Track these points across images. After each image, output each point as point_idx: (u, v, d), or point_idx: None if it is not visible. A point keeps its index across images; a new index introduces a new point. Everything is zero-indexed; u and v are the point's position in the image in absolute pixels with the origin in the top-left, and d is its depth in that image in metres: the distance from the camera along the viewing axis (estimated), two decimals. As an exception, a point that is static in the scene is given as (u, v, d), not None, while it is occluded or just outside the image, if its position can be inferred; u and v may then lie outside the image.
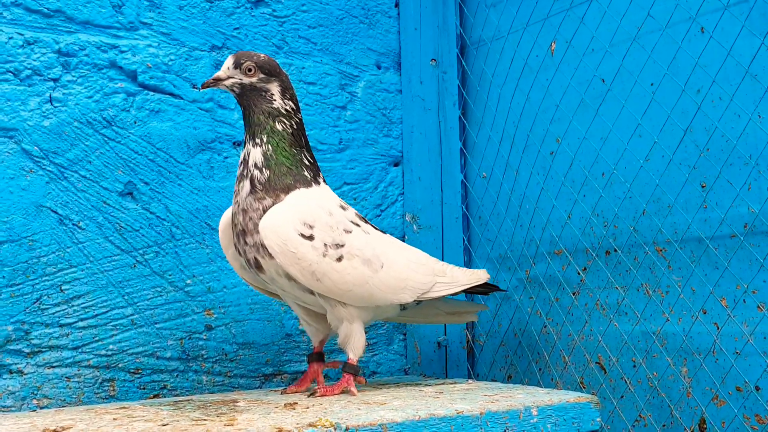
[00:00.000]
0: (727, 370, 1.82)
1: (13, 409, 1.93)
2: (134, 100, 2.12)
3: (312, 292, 1.81)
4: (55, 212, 2.01)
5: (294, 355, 2.26)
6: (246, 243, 1.80)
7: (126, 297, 2.07)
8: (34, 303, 1.97)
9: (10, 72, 1.99)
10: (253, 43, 2.28)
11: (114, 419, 1.57)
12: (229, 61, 1.83)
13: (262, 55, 1.85)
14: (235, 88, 1.83)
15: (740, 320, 1.80)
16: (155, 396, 2.07)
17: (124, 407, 1.78)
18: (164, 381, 2.10)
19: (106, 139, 2.08)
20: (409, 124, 2.46)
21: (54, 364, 1.98)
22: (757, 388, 1.77)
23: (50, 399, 1.97)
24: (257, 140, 1.82)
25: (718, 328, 1.84)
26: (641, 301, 2.00)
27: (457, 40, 2.47)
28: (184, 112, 2.18)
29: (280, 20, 2.33)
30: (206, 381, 2.15)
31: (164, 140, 2.15)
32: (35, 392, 1.96)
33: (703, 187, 1.87)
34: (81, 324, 2.02)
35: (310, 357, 1.97)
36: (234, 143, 2.23)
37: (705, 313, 1.87)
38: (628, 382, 2.03)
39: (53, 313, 1.99)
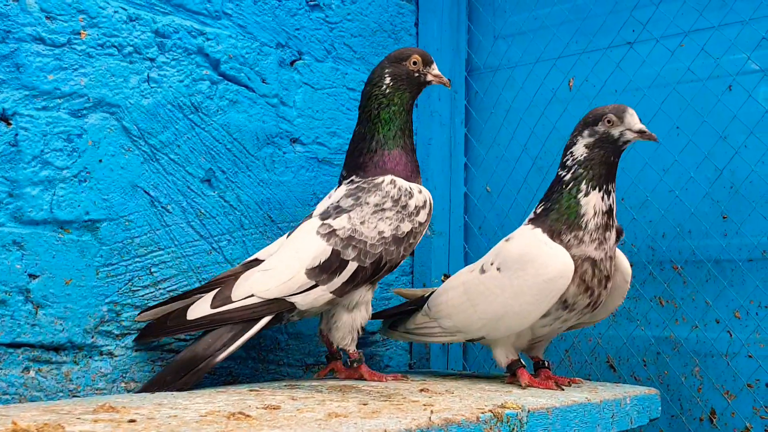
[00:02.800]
0: (739, 370, 2.22)
1: (104, 392, 1.90)
2: (217, 88, 2.15)
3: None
4: (148, 194, 1.99)
5: (330, 346, 2.37)
6: (605, 287, 1.98)
7: (202, 283, 2.09)
8: (126, 284, 1.95)
9: (114, 47, 1.95)
10: (309, 45, 2.38)
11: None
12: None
13: None
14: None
15: (752, 329, 2.20)
16: (228, 383, 2.10)
17: (254, 389, 1.83)
18: (230, 367, 2.14)
19: (192, 124, 2.09)
20: (425, 136, 2.66)
21: (141, 347, 1.97)
22: (767, 385, 2.18)
23: (137, 382, 1.95)
24: (614, 194, 2.00)
25: (730, 335, 2.24)
26: (653, 310, 2.36)
27: (466, 64, 2.71)
28: (256, 106, 2.23)
29: (330, 26, 2.44)
30: (261, 369, 2.21)
31: (240, 131, 2.19)
32: (124, 375, 1.93)
33: (724, 218, 2.26)
34: (166, 307, 2.01)
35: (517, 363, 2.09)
36: (291, 140, 2.31)
37: (718, 322, 2.26)
38: (637, 380, 2.37)
39: (143, 296, 1.97)
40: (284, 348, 2.27)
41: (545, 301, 1.92)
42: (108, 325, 1.91)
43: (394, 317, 2.32)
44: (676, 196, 2.31)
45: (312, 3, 2.39)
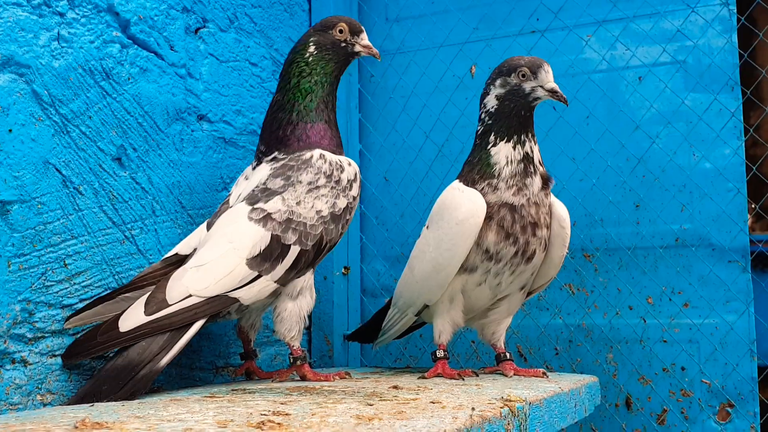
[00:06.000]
0: (654, 355, 2.24)
1: (20, 406, 1.58)
2: (127, 53, 1.87)
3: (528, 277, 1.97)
4: (60, 172, 1.69)
5: (238, 347, 2.13)
6: (534, 235, 1.85)
7: (116, 277, 1.81)
8: (40, 278, 1.64)
9: (22, -5, 1.64)
10: (213, 12, 2.14)
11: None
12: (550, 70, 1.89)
13: None
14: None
15: (667, 315, 2.24)
16: (154, 390, 1.82)
17: (211, 396, 1.59)
18: (145, 373, 1.86)
19: (104, 93, 1.80)
20: (321, 120, 2.47)
21: (57, 353, 1.66)
22: (683, 369, 2.22)
23: (54, 394, 1.65)
24: (535, 138, 1.91)
25: (644, 321, 2.26)
26: (564, 298, 2.34)
27: (357, 46, 2.56)
28: (165, 75, 1.97)
29: (233, -7, 2.22)
30: (175, 374, 1.95)
31: (151, 103, 1.92)
32: (40, 386, 1.62)
33: (637, 206, 2.28)
34: (81, 306, 1.72)
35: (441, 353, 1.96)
36: (198, 116, 2.07)
37: (631, 309, 2.28)
38: (549, 368, 2.34)
39: (57, 292, 1.67)
40: (196, 350, 2.02)
41: (461, 245, 1.85)
42: (20, 327, 1.59)
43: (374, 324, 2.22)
44: (594, 185, 2.30)
45: (215, -34, 2.16)
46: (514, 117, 1.88)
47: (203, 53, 2.10)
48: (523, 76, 1.87)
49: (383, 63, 2.57)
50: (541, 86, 1.86)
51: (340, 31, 1.93)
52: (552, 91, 1.86)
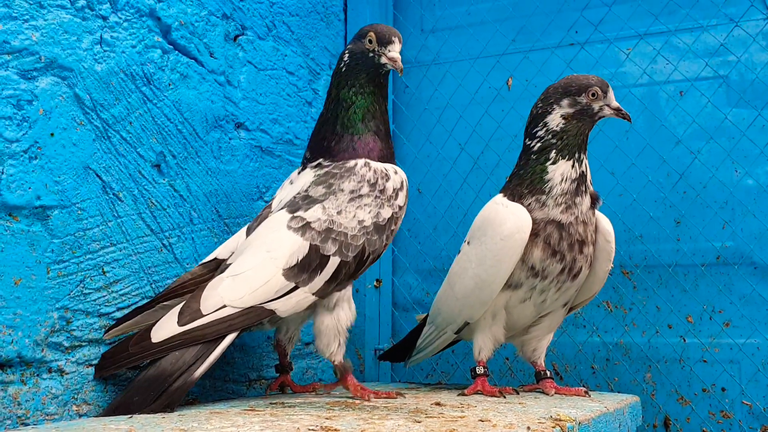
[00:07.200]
0: (693, 375, 2.19)
1: (56, 417, 1.55)
2: (168, 59, 1.84)
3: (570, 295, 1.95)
4: (100, 177, 1.66)
5: (272, 360, 2.10)
6: (581, 252, 1.83)
7: (153, 286, 1.78)
8: (78, 286, 1.61)
9: (66, -2, 1.62)
10: (252, 20, 2.11)
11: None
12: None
13: None
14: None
15: (707, 334, 2.19)
16: (189, 402, 1.79)
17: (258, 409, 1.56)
18: (180, 385, 1.82)
19: (145, 98, 1.77)
20: (354, 130, 2.44)
21: (93, 362, 1.63)
22: (723, 390, 2.17)
23: (89, 404, 1.61)
24: (586, 161, 1.89)
25: (684, 341, 2.22)
26: (602, 316, 2.30)
27: (391, 56, 2.53)
28: (205, 82, 1.94)
29: (271, 1, 2.19)
30: (209, 386, 1.92)
31: (190, 110, 1.89)
32: (76, 396, 1.59)
33: (677, 223, 2.24)
34: (118, 314, 1.69)
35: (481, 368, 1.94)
36: (236, 124, 2.04)
37: (671, 327, 2.23)
38: (586, 387, 2.29)
39: (95, 300, 1.64)
40: (230, 362, 1.99)
41: (506, 261, 1.81)
42: (57, 336, 1.56)
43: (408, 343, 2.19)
44: (634, 200, 2.26)
45: (255, -27, 2.13)
46: (579, 136, 1.85)
47: (242, 61, 2.07)
48: (594, 96, 1.84)
49: (418, 74, 2.54)
50: (607, 105, 1.85)
51: (370, 41, 1.83)
52: (617, 110, 1.85)
